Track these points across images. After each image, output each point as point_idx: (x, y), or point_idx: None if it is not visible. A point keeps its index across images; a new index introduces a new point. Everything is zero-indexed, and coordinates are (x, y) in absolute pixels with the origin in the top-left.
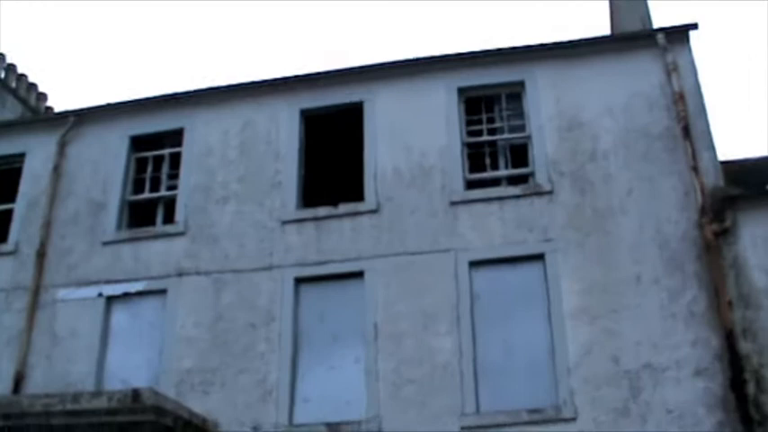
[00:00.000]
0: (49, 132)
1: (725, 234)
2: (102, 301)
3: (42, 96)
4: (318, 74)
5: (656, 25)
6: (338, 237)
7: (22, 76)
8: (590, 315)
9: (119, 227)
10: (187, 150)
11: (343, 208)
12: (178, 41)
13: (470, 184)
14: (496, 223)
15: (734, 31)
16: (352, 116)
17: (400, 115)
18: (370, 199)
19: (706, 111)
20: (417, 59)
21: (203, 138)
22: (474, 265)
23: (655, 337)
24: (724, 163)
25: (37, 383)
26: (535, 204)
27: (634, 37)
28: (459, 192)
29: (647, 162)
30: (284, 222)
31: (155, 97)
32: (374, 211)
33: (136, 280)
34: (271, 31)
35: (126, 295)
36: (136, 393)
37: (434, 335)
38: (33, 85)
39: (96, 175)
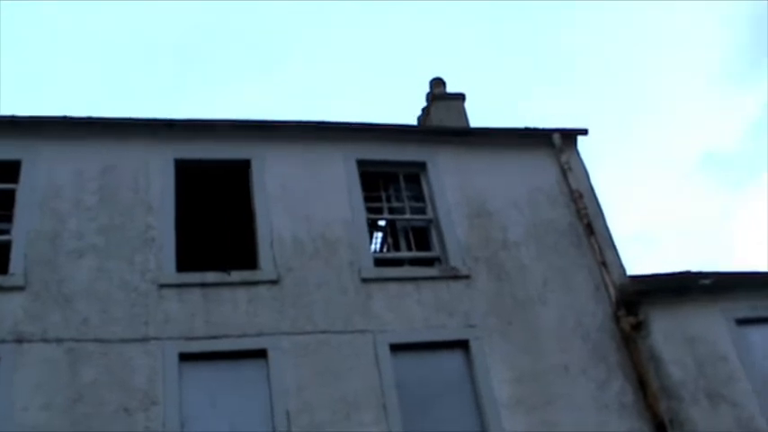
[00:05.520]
0: None
1: (639, 328)
2: None
3: None
4: (196, 121)
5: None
6: (232, 308)
7: None
8: (525, 405)
9: None
10: (26, 188)
11: (237, 275)
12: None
13: (377, 263)
14: (414, 305)
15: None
16: (236, 174)
17: (296, 181)
18: (267, 268)
19: (602, 212)
20: (310, 122)
21: (48, 176)
22: (395, 348)
23: (591, 427)
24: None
25: None
26: (452, 288)
27: (529, 134)
28: (370, 269)
29: (558, 255)
30: (162, 286)
31: None
32: (274, 282)
33: None
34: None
35: None
36: None
37: (359, 425)
38: None
39: None
